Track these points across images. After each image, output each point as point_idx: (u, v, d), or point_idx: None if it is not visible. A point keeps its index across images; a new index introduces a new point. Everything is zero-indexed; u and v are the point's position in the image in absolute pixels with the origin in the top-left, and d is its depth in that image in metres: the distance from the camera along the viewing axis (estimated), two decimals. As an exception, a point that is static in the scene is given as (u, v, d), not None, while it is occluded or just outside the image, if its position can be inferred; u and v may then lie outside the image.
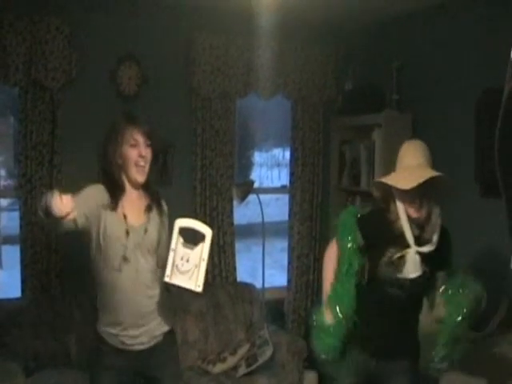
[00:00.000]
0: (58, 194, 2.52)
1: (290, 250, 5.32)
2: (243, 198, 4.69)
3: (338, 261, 3.05)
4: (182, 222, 2.78)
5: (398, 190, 2.86)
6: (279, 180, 10.05)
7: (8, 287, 4.87)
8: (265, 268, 4.76)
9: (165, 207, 3.08)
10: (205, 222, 2.92)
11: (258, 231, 4.53)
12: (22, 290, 4.34)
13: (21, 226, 4.31)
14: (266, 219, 4.68)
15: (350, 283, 2.97)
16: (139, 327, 2.88)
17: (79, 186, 4.16)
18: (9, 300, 4.24)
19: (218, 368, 4.34)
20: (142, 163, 2.87)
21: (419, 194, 2.82)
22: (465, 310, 2.96)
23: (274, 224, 6.18)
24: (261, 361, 4.27)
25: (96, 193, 2.86)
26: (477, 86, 4.16)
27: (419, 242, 2.90)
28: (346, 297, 2.96)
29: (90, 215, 2.79)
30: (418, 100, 4.84)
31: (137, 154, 2.85)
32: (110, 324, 2.89)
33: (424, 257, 2.90)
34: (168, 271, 2.71)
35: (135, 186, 2.93)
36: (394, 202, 2.92)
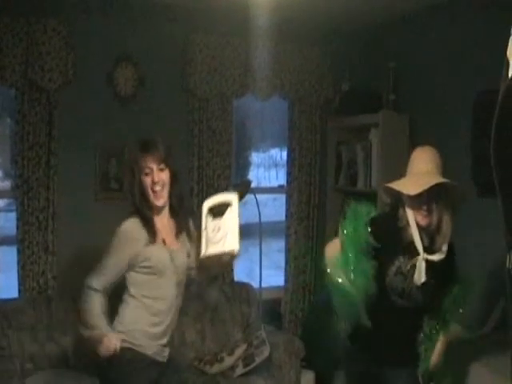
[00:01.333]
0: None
1: (287, 250, 5.32)
2: (241, 198, 4.68)
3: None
4: (208, 203, 2.89)
5: (406, 195, 2.86)
6: (276, 180, 10.04)
7: (5, 288, 4.85)
8: (262, 268, 4.75)
9: (192, 227, 3.23)
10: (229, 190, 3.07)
11: (255, 231, 4.52)
12: (19, 291, 4.33)
13: (17, 227, 4.30)
14: (263, 219, 4.67)
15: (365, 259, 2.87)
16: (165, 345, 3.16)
17: (78, 187, 4.18)
18: (5, 301, 4.23)
19: (215, 368, 4.34)
20: (156, 188, 2.99)
21: (427, 201, 2.81)
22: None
23: (271, 224, 6.18)
24: (258, 361, 4.26)
25: (130, 245, 3.00)
26: (474, 87, 4.16)
27: (429, 250, 2.88)
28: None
29: (130, 266, 3.01)
30: (414, 100, 4.85)
31: (150, 181, 2.98)
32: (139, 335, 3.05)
33: (433, 266, 2.88)
34: (203, 248, 2.81)
35: (158, 210, 3.06)
36: (404, 208, 2.91)
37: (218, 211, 2.85)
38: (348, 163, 5.19)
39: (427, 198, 2.81)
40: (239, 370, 4.29)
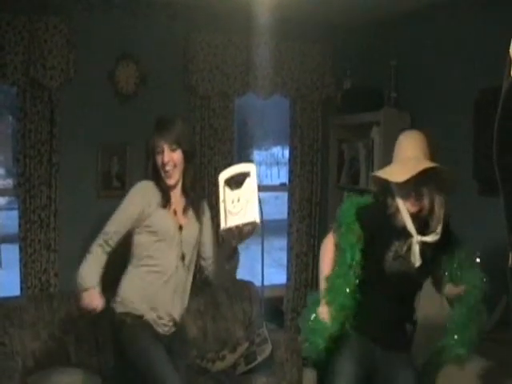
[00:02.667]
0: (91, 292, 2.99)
1: (289, 248, 5.33)
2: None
3: (335, 253, 3.04)
4: (224, 175, 2.83)
5: (394, 183, 2.84)
6: (278, 178, 10.04)
7: (7, 286, 4.86)
8: (264, 266, 4.75)
9: (206, 212, 3.34)
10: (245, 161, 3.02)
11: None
12: (21, 289, 4.34)
13: (19, 225, 4.31)
14: (265, 217, 4.65)
15: (350, 276, 2.94)
16: (170, 318, 3.15)
17: (80, 185, 4.19)
18: (8, 299, 4.23)
19: (217, 366, 4.34)
20: (167, 168, 3.06)
21: (415, 187, 2.80)
22: (477, 290, 2.95)
23: (273, 222, 6.18)
24: (260, 359, 4.26)
25: (142, 198, 3.09)
26: (475, 85, 4.16)
27: (423, 232, 2.87)
28: (344, 290, 2.93)
29: (138, 221, 3.08)
30: (416, 98, 4.85)
31: (161, 161, 3.06)
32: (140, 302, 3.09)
33: (428, 247, 2.88)
34: (222, 220, 2.77)
35: (172, 188, 3.14)
36: (392, 196, 2.89)
37: (236, 182, 2.81)
38: (350, 161, 5.19)
39: (415, 185, 2.79)
40: (241, 368, 4.29)
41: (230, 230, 2.76)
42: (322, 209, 5.35)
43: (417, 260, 2.87)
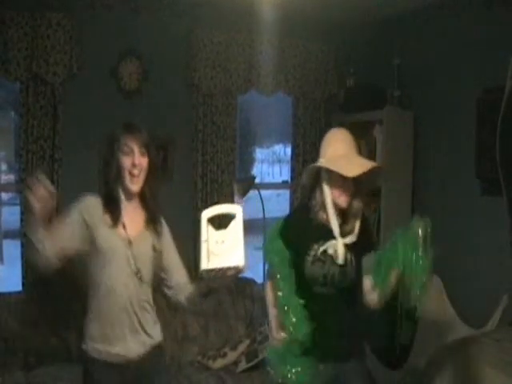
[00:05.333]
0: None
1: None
2: (244, 193, 4.69)
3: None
4: (208, 213, 2.68)
5: (332, 178, 2.81)
6: (280, 176, 10.05)
7: (9, 281, 4.87)
8: (265, 264, 4.76)
9: (164, 226, 2.99)
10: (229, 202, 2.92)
11: (259, 226, 4.53)
12: (23, 285, 4.34)
13: (21, 221, 4.30)
14: (267, 215, 4.68)
15: (291, 292, 2.91)
16: (130, 341, 2.84)
17: (82, 180, 4.18)
18: (9, 294, 4.24)
19: (219, 363, 4.34)
20: (135, 171, 2.80)
21: (353, 183, 2.80)
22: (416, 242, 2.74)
23: (275, 220, 6.17)
24: (261, 356, 4.26)
25: (83, 213, 2.81)
26: (478, 84, 4.17)
27: (342, 232, 2.85)
28: (292, 305, 2.89)
29: (83, 240, 2.79)
30: (419, 97, 4.85)
31: (130, 162, 2.79)
32: (100, 339, 2.83)
33: (349, 246, 2.85)
34: (204, 260, 2.61)
35: (130, 196, 2.87)
36: (321, 191, 2.87)
37: (222, 222, 2.74)
38: (352, 159, 5.18)
39: (353, 181, 2.78)
40: (242, 366, 4.29)
41: (211, 270, 2.63)
42: (323, 207, 5.34)
43: (340, 257, 2.83)
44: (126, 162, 2.79)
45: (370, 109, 4.85)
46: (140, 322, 2.86)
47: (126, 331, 2.82)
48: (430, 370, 3.47)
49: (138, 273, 2.82)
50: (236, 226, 2.65)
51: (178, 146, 4.81)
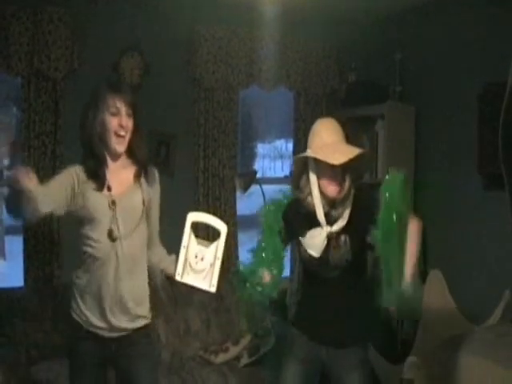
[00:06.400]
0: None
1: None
2: (246, 188, 4.70)
3: None
4: (194, 217, 2.66)
5: (319, 167, 2.81)
6: (282, 171, 10.04)
7: (10, 277, 4.88)
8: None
9: (155, 175, 2.94)
10: (219, 217, 2.86)
11: (261, 222, 4.52)
12: (25, 280, 4.35)
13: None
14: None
15: (274, 239, 2.98)
16: (118, 313, 2.78)
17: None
18: (11, 290, 4.25)
19: (221, 358, 4.35)
20: (122, 133, 2.75)
21: (340, 171, 2.79)
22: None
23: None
24: (263, 351, 4.28)
25: (71, 177, 2.80)
26: (479, 79, 4.16)
27: (330, 219, 2.85)
28: (271, 248, 2.97)
29: (70, 201, 2.76)
30: (421, 92, 4.84)
31: (117, 123, 2.74)
32: (89, 308, 2.79)
33: (342, 231, 2.86)
34: (180, 269, 2.60)
35: (115, 156, 2.82)
36: (307, 180, 2.87)
37: (204, 236, 2.73)
38: (354, 154, 5.18)
39: (341, 169, 2.77)
40: (244, 360, 4.30)
41: (183, 284, 2.63)
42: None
43: (318, 251, 2.86)
44: (113, 122, 2.74)
45: (371, 104, 4.84)
46: (125, 298, 2.77)
47: (111, 305, 2.75)
48: (431, 363, 3.47)
49: (111, 233, 2.74)
50: (218, 246, 2.65)
51: (179, 140, 4.81)
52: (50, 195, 2.66)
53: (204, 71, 4.78)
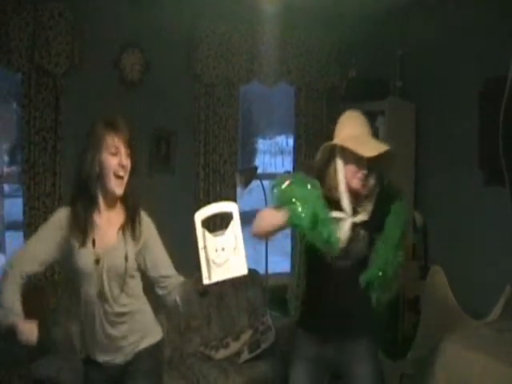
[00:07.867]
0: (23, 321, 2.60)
1: (293, 236, 5.32)
2: (247, 184, 4.69)
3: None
4: (202, 215, 2.48)
5: (346, 157, 2.79)
6: (282, 167, 10.02)
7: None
8: (268, 254, 4.77)
9: (144, 225, 2.78)
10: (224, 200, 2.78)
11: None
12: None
13: (24, 212, 4.31)
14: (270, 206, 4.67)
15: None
16: (114, 352, 2.76)
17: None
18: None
19: (221, 354, 4.35)
20: (121, 173, 2.62)
21: (366, 166, 2.78)
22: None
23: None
24: (263, 347, 4.28)
25: (59, 230, 2.66)
26: (480, 75, 4.15)
27: (354, 210, 2.84)
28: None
29: (59, 255, 2.70)
30: (421, 87, 4.84)
31: (117, 163, 2.61)
32: (86, 345, 2.83)
33: (358, 227, 2.84)
34: (205, 272, 2.42)
35: (111, 200, 2.69)
36: (335, 170, 2.84)
37: (218, 225, 2.60)
38: (354, 150, 5.18)
39: (367, 164, 2.77)
40: (245, 356, 4.30)
41: (215, 284, 2.45)
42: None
43: (343, 240, 2.81)
44: (113, 162, 2.61)
45: (372, 99, 4.83)
46: (118, 338, 2.73)
47: (106, 345, 2.73)
48: (431, 359, 3.47)
49: (100, 294, 2.67)
50: (234, 228, 2.49)
51: (179, 136, 4.81)
52: (36, 260, 2.71)
53: (205, 67, 4.78)
